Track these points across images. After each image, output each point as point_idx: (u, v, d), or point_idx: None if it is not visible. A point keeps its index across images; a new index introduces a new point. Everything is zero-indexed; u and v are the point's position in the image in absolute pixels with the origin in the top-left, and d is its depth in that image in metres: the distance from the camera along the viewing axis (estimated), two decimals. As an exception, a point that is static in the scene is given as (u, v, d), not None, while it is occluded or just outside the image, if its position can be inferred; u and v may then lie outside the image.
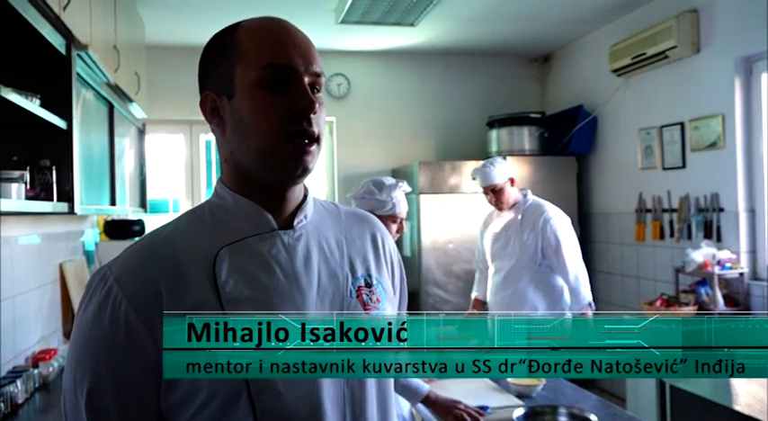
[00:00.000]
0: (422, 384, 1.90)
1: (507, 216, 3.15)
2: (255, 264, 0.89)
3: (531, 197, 3.16)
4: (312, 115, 0.88)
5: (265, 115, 0.87)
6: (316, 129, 0.88)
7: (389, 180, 2.20)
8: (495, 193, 3.10)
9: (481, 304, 3.35)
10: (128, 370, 0.84)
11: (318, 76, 0.91)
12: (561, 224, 3.03)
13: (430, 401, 1.89)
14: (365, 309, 0.94)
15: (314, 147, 0.89)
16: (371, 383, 0.93)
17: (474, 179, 3.19)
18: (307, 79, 0.89)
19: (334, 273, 0.94)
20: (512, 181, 3.10)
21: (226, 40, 0.92)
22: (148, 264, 0.87)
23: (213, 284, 0.86)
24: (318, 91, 0.91)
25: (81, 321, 0.87)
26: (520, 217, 3.09)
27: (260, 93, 0.87)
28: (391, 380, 0.99)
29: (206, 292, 0.85)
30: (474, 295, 3.40)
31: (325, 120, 0.93)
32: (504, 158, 3.31)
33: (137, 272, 0.86)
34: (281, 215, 0.93)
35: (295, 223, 0.94)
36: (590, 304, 2.99)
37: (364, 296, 0.95)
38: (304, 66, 0.89)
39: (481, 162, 3.18)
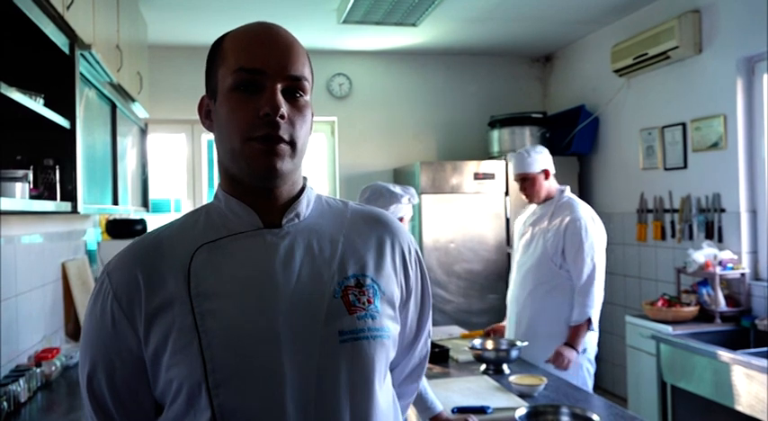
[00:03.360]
0: (436, 402, 1.89)
1: (539, 210, 2.93)
2: (230, 261, 0.91)
3: (569, 195, 2.92)
4: (279, 119, 0.87)
5: (235, 118, 0.89)
6: (284, 135, 0.88)
7: (402, 187, 2.22)
8: (525, 183, 2.90)
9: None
10: (116, 357, 0.90)
11: (298, 79, 0.91)
12: (589, 227, 2.76)
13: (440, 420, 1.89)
14: (350, 310, 0.91)
15: (283, 148, 0.88)
16: (344, 386, 0.88)
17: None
18: (281, 84, 0.89)
19: (319, 272, 0.92)
20: (546, 173, 2.89)
21: (216, 46, 0.96)
22: (134, 259, 0.92)
23: (186, 280, 0.89)
24: (301, 95, 0.91)
25: (86, 311, 0.95)
26: (550, 213, 2.86)
27: (233, 96, 0.90)
28: (374, 386, 0.92)
29: (179, 288, 0.89)
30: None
31: (306, 124, 0.92)
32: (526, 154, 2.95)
33: (123, 267, 0.92)
34: (271, 214, 0.94)
35: (283, 222, 0.94)
36: (590, 323, 2.69)
37: (351, 296, 0.92)
38: (277, 69, 0.89)
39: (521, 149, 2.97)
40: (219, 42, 0.95)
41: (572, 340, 2.71)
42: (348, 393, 0.88)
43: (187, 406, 0.86)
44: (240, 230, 0.93)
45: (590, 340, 2.81)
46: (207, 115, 0.96)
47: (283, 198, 0.95)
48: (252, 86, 0.88)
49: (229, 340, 0.86)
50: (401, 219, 2.16)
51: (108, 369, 0.90)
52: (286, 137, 0.88)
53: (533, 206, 2.98)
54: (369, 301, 0.93)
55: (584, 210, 2.83)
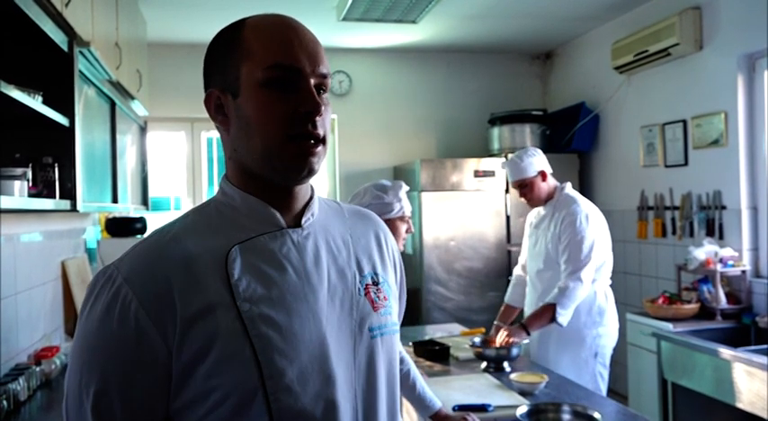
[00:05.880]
0: (434, 400, 1.89)
1: (542, 211, 2.87)
2: (267, 262, 0.88)
3: (568, 191, 2.84)
4: (318, 118, 0.87)
5: (270, 116, 0.86)
6: (321, 131, 0.88)
7: (390, 182, 2.18)
8: (524, 189, 2.83)
9: (511, 311, 3.07)
10: (137, 371, 0.81)
11: (325, 77, 0.90)
12: (583, 221, 2.68)
13: (440, 418, 1.88)
14: (374, 307, 0.94)
15: (319, 148, 0.89)
16: (382, 380, 0.94)
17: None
18: (313, 81, 0.88)
19: (343, 271, 0.94)
20: (543, 175, 2.81)
21: (231, 38, 0.90)
22: (158, 263, 0.84)
23: (226, 283, 0.84)
24: (324, 92, 0.91)
25: (87, 322, 0.84)
26: (552, 213, 2.81)
27: (265, 92, 0.86)
28: (397, 378, 0.99)
29: (219, 292, 0.84)
30: (505, 300, 3.12)
31: (330, 121, 0.92)
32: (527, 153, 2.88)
33: (147, 272, 0.84)
34: (289, 213, 0.93)
35: (303, 221, 0.93)
36: (556, 315, 2.58)
37: (372, 294, 0.95)
38: (311, 67, 0.88)
39: (513, 154, 2.91)
40: (236, 33, 0.89)
41: (528, 321, 2.64)
42: (385, 386, 0.94)
43: (234, 414, 0.82)
44: (263, 229, 0.90)
45: (605, 344, 2.76)
46: (218, 110, 0.91)
47: (301, 197, 0.94)
48: (286, 83, 0.87)
49: (283, 344, 0.84)
50: (402, 219, 2.11)
51: (125, 384, 0.81)
52: (322, 134, 0.88)
53: (540, 211, 2.91)
54: (385, 298, 0.97)
55: (582, 205, 2.75)
